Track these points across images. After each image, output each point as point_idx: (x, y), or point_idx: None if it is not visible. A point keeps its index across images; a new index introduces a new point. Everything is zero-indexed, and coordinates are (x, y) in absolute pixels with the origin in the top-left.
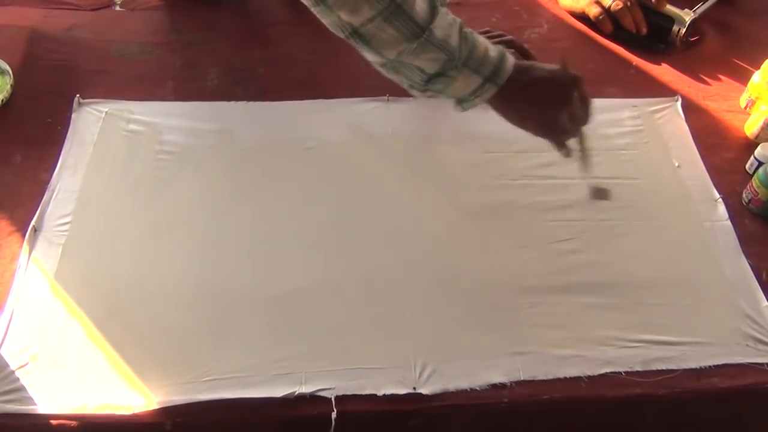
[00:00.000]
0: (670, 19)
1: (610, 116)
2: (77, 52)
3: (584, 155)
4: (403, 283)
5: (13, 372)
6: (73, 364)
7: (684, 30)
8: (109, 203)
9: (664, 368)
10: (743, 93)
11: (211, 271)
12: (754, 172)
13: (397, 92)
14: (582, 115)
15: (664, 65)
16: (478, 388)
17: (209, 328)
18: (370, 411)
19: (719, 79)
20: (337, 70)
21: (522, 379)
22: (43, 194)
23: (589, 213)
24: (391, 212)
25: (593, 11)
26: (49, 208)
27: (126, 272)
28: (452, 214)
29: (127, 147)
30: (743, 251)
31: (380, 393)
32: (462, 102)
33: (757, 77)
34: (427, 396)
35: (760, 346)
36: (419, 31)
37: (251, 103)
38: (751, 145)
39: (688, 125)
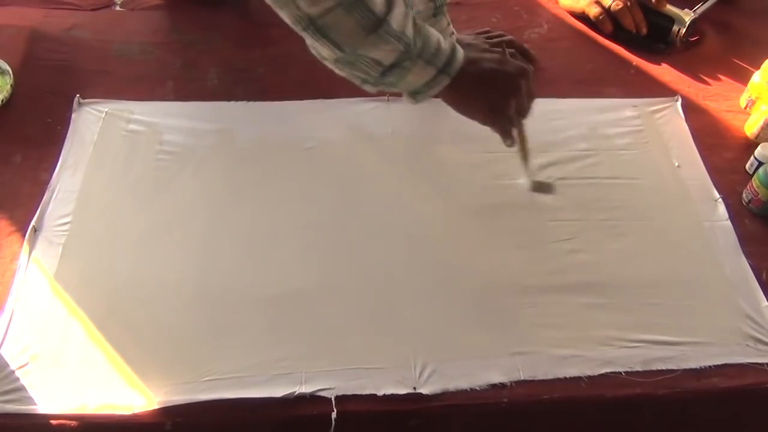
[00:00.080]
0: (670, 19)
1: (610, 116)
2: (77, 52)
3: (523, 149)
4: (403, 283)
5: (13, 372)
6: (73, 364)
7: (684, 30)
8: (109, 203)
9: (664, 368)
10: (743, 93)
11: (211, 271)
12: (754, 172)
13: (397, 92)
14: (526, 107)
15: (664, 65)
16: (478, 388)
17: (209, 328)
18: (370, 411)
19: (719, 79)
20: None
21: (522, 379)
22: (43, 194)
23: (589, 213)
24: (391, 212)
25: (593, 11)
26: (49, 208)
27: (126, 272)
28: (452, 214)
29: (127, 147)
30: (743, 251)
31: (380, 393)
32: (415, 94)
33: (757, 77)
34: (427, 396)
35: (760, 346)
36: (377, 23)
37: (251, 103)
38: (751, 145)
39: (688, 125)
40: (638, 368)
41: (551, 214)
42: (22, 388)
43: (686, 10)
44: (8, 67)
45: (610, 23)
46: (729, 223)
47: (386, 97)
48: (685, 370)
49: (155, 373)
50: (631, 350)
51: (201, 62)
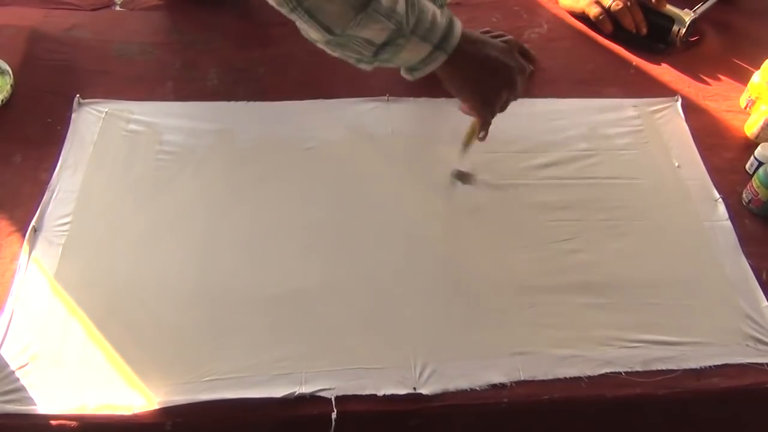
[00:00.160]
0: (670, 19)
1: (610, 116)
2: (77, 52)
3: (469, 141)
4: (403, 283)
5: (13, 372)
6: (73, 364)
7: (684, 30)
8: (109, 203)
9: (664, 368)
10: (743, 93)
11: (211, 271)
12: (754, 172)
13: (397, 92)
14: (508, 104)
15: (664, 65)
16: (478, 388)
17: (209, 328)
18: (370, 411)
19: (719, 79)
20: (337, 70)
21: (522, 379)
22: (43, 194)
23: (589, 213)
24: (391, 212)
25: (593, 11)
26: (49, 208)
27: (126, 272)
28: (452, 214)
29: (127, 147)
30: (743, 251)
31: (380, 393)
32: (412, 70)
33: (757, 77)
34: (427, 396)
35: (760, 346)
36: (365, 1)
37: (251, 103)
38: (751, 145)
39: (688, 125)
40: (638, 368)
41: (551, 214)
42: (22, 388)
43: (686, 10)
44: (8, 67)
45: (610, 23)
46: (729, 223)
47: (386, 97)
48: (685, 370)
49: (155, 373)
50: (631, 350)
51: (201, 62)
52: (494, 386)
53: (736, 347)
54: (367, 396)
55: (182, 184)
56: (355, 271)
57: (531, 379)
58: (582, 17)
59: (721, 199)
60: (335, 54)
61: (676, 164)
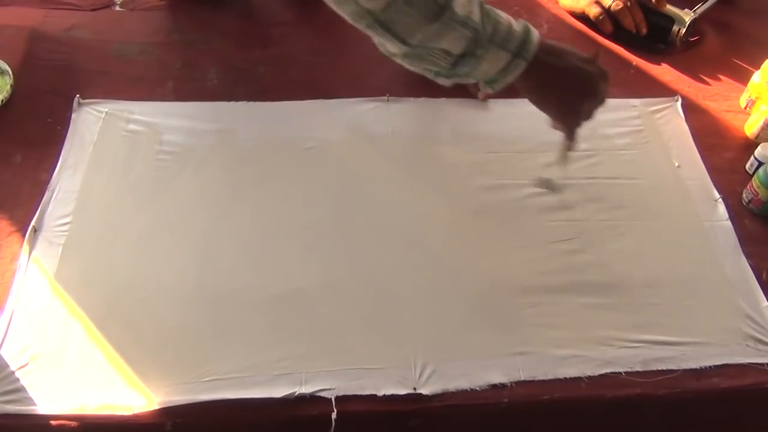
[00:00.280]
0: (670, 19)
1: (610, 116)
2: (77, 52)
3: (567, 150)
4: (403, 283)
5: (13, 372)
6: (73, 364)
7: (684, 30)
8: (109, 203)
9: (664, 368)
10: (743, 93)
11: (211, 271)
12: (754, 172)
13: (397, 92)
14: (593, 112)
15: (664, 65)
16: (478, 388)
17: (209, 328)
18: (370, 411)
19: (719, 79)
20: (337, 70)
21: (522, 379)
22: (43, 194)
23: (589, 213)
24: (391, 212)
25: (593, 11)
26: (49, 208)
27: (126, 272)
28: (452, 214)
29: (127, 147)
30: (743, 251)
31: (380, 393)
32: (492, 82)
33: (757, 77)
34: (427, 396)
35: (760, 346)
36: (439, 10)
37: (251, 103)
38: (751, 145)
39: (688, 125)
40: (638, 368)
41: (551, 214)
42: (22, 389)
43: (686, 10)
44: (8, 67)
45: (610, 23)
46: (729, 223)
47: (386, 97)
48: (685, 370)
49: (155, 373)
50: (631, 350)
51: (201, 62)
52: (494, 386)
53: (736, 347)
54: (367, 396)
55: (182, 184)
56: (355, 271)
57: (531, 379)
58: (582, 17)
59: (721, 199)
60: (413, 68)
61: (676, 164)
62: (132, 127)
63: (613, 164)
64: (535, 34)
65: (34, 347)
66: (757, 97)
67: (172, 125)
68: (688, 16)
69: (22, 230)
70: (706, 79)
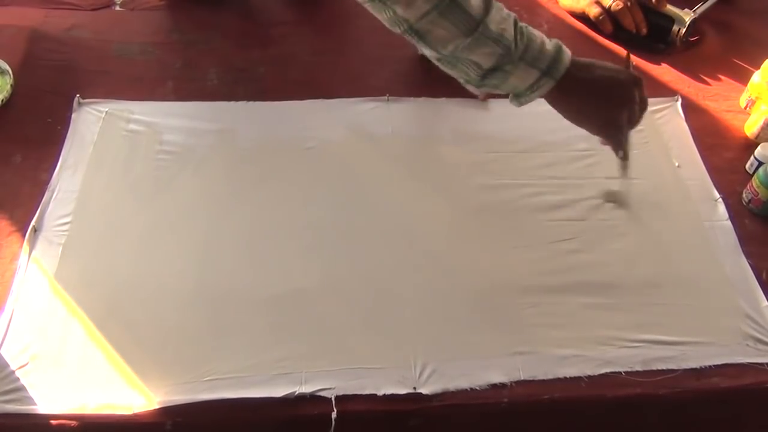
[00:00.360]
0: (670, 19)
1: None
2: (77, 52)
3: (626, 157)
4: (403, 283)
5: (13, 372)
6: (73, 364)
7: (684, 30)
8: (109, 203)
9: (664, 368)
10: (743, 93)
11: (211, 271)
12: (754, 172)
13: (397, 92)
14: (638, 117)
15: (664, 65)
16: (478, 388)
17: (209, 328)
18: (370, 411)
19: (719, 79)
20: (337, 70)
21: (522, 379)
22: (43, 194)
23: (589, 213)
24: (391, 212)
25: (593, 11)
26: (49, 208)
27: (126, 272)
28: (452, 214)
29: (127, 147)
30: (743, 251)
31: (380, 393)
32: (519, 97)
33: (757, 77)
34: (427, 396)
35: (760, 346)
36: (474, 25)
37: (251, 103)
38: (751, 145)
39: (688, 125)
40: (638, 368)
41: (551, 214)
42: (22, 388)
43: (686, 10)
44: (8, 67)
45: (610, 23)
46: (729, 223)
47: (386, 97)
48: (685, 370)
49: (155, 373)
50: (631, 350)
51: (201, 62)
52: (494, 386)
53: (736, 347)
54: (367, 396)
55: (182, 184)
56: (355, 271)
57: (531, 379)
58: (582, 17)
59: (721, 199)
60: (446, 70)
61: (676, 164)
62: (132, 126)
63: (613, 164)
64: (567, 53)
65: (34, 347)
66: (757, 97)
67: (172, 125)
68: (688, 16)
69: (22, 230)
70: (706, 79)
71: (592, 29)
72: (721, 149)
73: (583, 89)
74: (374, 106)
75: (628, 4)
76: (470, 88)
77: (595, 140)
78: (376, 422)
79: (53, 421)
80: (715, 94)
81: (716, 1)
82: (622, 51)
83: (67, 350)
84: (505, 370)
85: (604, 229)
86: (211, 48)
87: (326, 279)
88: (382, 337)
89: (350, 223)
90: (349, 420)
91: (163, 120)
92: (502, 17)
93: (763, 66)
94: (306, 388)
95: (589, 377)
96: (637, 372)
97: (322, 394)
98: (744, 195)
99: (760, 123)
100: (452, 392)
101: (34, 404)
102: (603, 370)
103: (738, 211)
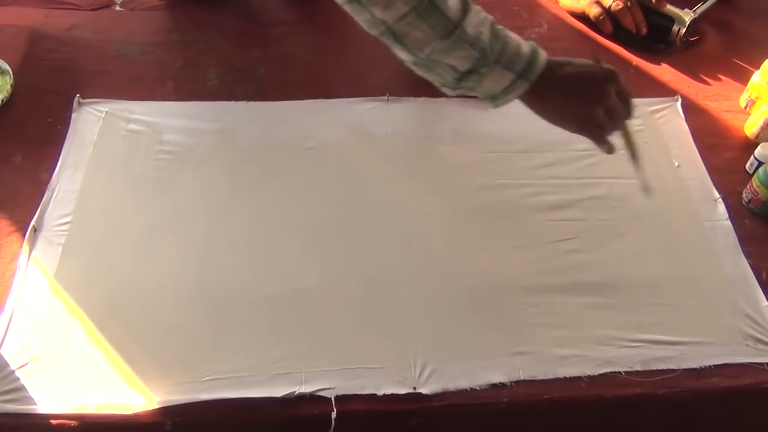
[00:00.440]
0: (670, 19)
1: None
2: (77, 52)
3: (632, 150)
4: (403, 283)
5: (13, 372)
6: (73, 364)
7: (684, 30)
8: (109, 203)
9: (664, 368)
10: (743, 93)
11: (211, 271)
12: (754, 172)
13: (397, 92)
14: (622, 110)
15: (664, 65)
16: (478, 388)
17: (209, 328)
18: (370, 411)
19: (719, 79)
20: (337, 70)
21: (522, 378)
22: (43, 194)
23: (589, 213)
24: (391, 212)
25: (593, 11)
26: (49, 208)
27: (126, 272)
28: (452, 214)
29: (127, 147)
30: (743, 251)
31: (380, 393)
32: (494, 99)
33: (757, 77)
34: (427, 396)
35: (760, 346)
36: (451, 28)
37: (251, 103)
38: (751, 145)
39: (688, 125)
40: (638, 368)
41: (551, 214)
42: (22, 388)
43: (686, 10)
44: (8, 67)
45: (610, 23)
46: (729, 222)
47: (386, 97)
48: (685, 370)
49: (155, 373)
50: (631, 350)
51: (201, 62)
52: (494, 386)
53: (736, 347)
54: (367, 396)
55: (182, 184)
56: (355, 271)
57: (531, 378)
58: (582, 17)
59: (721, 199)
60: (422, 74)
61: (676, 164)
62: (132, 126)
63: (613, 164)
64: (543, 55)
65: (34, 347)
66: (757, 97)
67: (172, 125)
68: (688, 16)
69: (22, 230)
70: (706, 79)
71: (592, 29)
72: (721, 149)
73: (557, 88)
74: (374, 106)
75: (628, 4)
76: (446, 91)
77: None
78: (376, 422)
79: (53, 421)
80: (715, 94)
81: (716, 1)
82: (622, 51)
83: (67, 350)
84: (505, 370)
85: (604, 229)
86: (211, 48)
87: (326, 279)
88: (381, 337)
89: (350, 223)
90: (349, 420)
91: (163, 120)
92: (479, 20)
93: (763, 66)
94: (306, 388)
95: (589, 377)
96: (637, 372)
97: (321, 394)
98: (744, 195)
99: (760, 123)
100: (452, 392)
101: (34, 404)
102: (603, 370)
103: (738, 211)
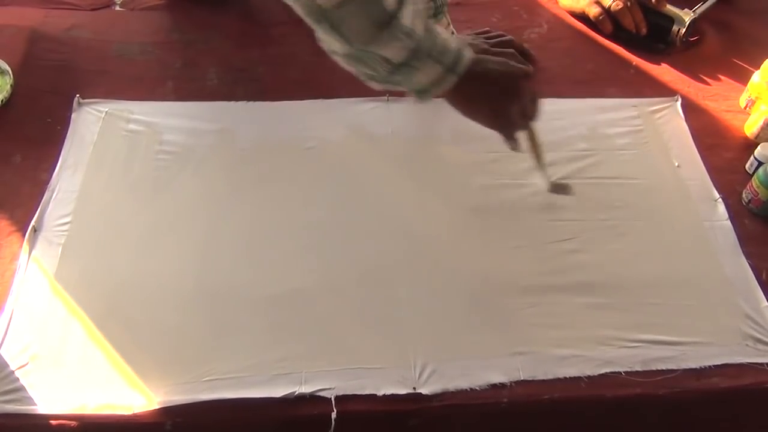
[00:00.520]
0: (670, 19)
1: (610, 116)
2: (77, 52)
3: (536, 152)
4: (403, 283)
5: (13, 372)
6: (73, 364)
7: (684, 30)
8: (109, 203)
9: (664, 368)
10: (743, 93)
11: (211, 271)
12: (754, 172)
13: (398, 92)
14: (531, 110)
15: (664, 65)
16: (478, 388)
17: (209, 328)
18: (370, 411)
19: (719, 79)
20: (337, 70)
21: (522, 379)
22: (43, 194)
23: (589, 213)
24: (390, 212)
25: (593, 11)
26: (49, 208)
27: (126, 272)
28: (452, 214)
29: (127, 147)
30: (743, 251)
31: (380, 393)
32: (421, 93)
33: (757, 77)
34: (427, 396)
35: (760, 346)
36: (388, 19)
37: (251, 103)
38: (751, 145)
39: (688, 125)
40: (638, 368)
41: (551, 214)
42: (22, 388)
43: (686, 10)
44: (8, 67)
45: (610, 23)
46: (729, 223)
47: (386, 97)
48: (685, 370)
49: (155, 373)
50: (631, 350)
51: (201, 62)
52: (494, 386)
53: (735, 347)
54: (367, 396)
55: (182, 184)
56: (355, 271)
57: (531, 379)
58: (582, 17)
59: (721, 199)
60: (350, 68)
61: (676, 164)
62: (132, 126)
63: (612, 164)
64: (469, 51)
65: (34, 347)
66: (757, 97)
67: (172, 125)
68: (688, 16)
69: (22, 230)
70: (706, 79)
71: (592, 29)
72: (721, 149)
73: (477, 83)
74: (374, 106)
75: (628, 4)
76: (373, 85)
77: (595, 140)
78: (376, 422)
79: (53, 421)
80: (715, 94)
81: (716, 1)
82: (622, 51)
83: (67, 350)
84: (505, 370)
85: (604, 229)
86: (210, 48)
87: (326, 279)
88: (381, 337)
89: (350, 223)
90: (349, 420)
91: (162, 120)
92: (413, 12)
93: (763, 66)
94: (306, 388)
95: (589, 377)
96: (637, 372)
97: (321, 394)
98: (744, 195)
99: (760, 123)
100: (452, 392)
101: (34, 404)
102: (603, 370)
103: (738, 211)
